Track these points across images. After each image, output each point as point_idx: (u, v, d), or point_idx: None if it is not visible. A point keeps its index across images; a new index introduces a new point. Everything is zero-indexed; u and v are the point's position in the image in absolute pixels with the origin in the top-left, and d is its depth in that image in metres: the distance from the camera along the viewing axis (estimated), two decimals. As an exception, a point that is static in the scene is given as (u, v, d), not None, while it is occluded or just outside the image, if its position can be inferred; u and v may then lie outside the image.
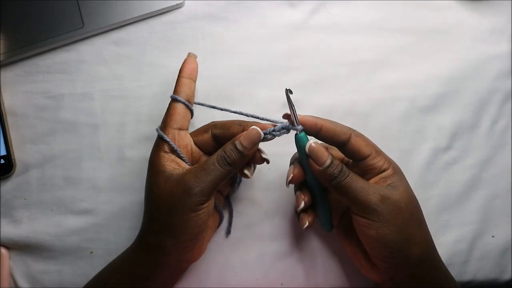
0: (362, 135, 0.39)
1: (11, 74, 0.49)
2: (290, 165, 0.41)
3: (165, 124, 0.40)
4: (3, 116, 0.48)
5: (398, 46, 0.50)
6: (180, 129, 0.40)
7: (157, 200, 0.37)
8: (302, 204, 0.40)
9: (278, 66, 0.50)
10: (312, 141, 0.37)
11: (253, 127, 0.37)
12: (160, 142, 0.39)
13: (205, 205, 0.37)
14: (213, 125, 0.41)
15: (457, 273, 0.47)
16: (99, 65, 0.50)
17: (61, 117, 0.49)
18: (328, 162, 0.36)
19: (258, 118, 0.40)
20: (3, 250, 0.47)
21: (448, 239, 0.48)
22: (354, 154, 0.39)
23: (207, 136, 0.41)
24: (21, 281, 0.47)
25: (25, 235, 0.47)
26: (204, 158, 0.42)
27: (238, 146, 0.37)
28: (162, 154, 0.39)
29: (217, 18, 0.50)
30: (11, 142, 0.48)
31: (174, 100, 0.40)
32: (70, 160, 0.48)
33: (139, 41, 0.50)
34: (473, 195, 0.49)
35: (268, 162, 0.41)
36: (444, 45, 0.51)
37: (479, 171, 0.49)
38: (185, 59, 0.42)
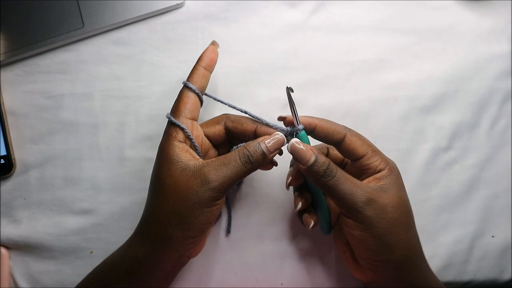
0: (359, 134, 0.39)
1: (11, 74, 0.49)
2: (290, 167, 0.41)
3: (178, 112, 0.38)
4: (3, 116, 0.48)
5: (398, 46, 0.50)
6: (192, 119, 0.39)
7: (169, 191, 0.36)
8: (300, 205, 0.40)
9: (278, 66, 0.50)
10: (294, 140, 0.37)
11: (276, 132, 0.38)
12: (172, 130, 0.38)
13: (220, 201, 0.36)
14: (226, 117, 0.41)
15: (457, 273, 0.48)
16: (99, 65, 0.50)
17: (61, 117, 0.49)
18: (311, 160, 0.36)
19: (262, 121, 0.39)
20: (3, 250, 0.47)
21: (448, 239, 0.48)
22: (350, 153, 0.39)
23: (219, 128, 0.41)
24: (21, 281, 0.47)
25: (25, 235, 0.47)
26: (212, 150, 0.42)
27: (263, 148, 0.36)
28: (176, 143, 0.37)
29: (217, 18, 0.50)
30: (11, 142, 0.48)
31: (186, 87, 0.39)
32: (70, 160, 0.48)
33: (139, 41, 0.50)
34: (473, 195, 0.49)
35: (276, 165, 0.41)
36: (444, 45, 0.51)
37: (479, 171, 0.49)
38: (207, 48, 0.41)
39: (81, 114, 0.49)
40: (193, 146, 0.38)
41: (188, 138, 0.38)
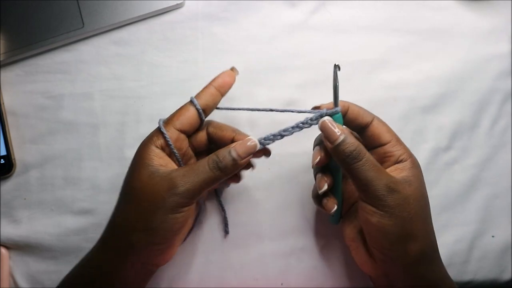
0: (384, 122, 0.40)
1: (11, 74, 0.49)
2: (315, 146, 0.40)
3: (169, 120, 0.38)
4: (3, 116, 0.48)
5: (398, 46, 0.50)
6: (182, 131, 0.38)
7: (136, 194, 0.36)
8: (325, 187, 0.39)
9: (278, 66, 0.50)
10: (326, 118, 0.37)
11: (250, 137, 0.38)
12: (155, 135, 0.38)
13: (186, 208, 0.35)
14: (208, 123, 0.41)
15: (457, 273, 0.47)
16: (99, 65, 0.49)
17: (61, 117, 0.49)
18: (339, 139, 0.35)
19: (293, 111, 0.39)
20: (3, 250, 0.47)
21: (448, 239, 0.48)
22: (375, 139, 0.39)
23: (202, 134, 0.41)
24: (21, 281, 0.47)
25: (25, 235, 0.47)
26: (193, 161, 0.42)
27: (233, 153, 0.36)
28: (153, 147, 0.37)
29: (217, 18, 0.50)
30: (11, 142, 0.48)
31: (191, 102, 0.39)
32: (70, 160, 0.48)
33: (139, 41, 0.50)
34: (473, 195, 0.49)
35: (239, 180, 0.42)
36: (444, 45, 0.51)
37: (479, 171, 0.49)
38: (224, 71, 0.40)
39: (81, 114, 0.49)
40: (174, 155, 0.38)
41: (167, 146, 0.37)
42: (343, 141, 0.35)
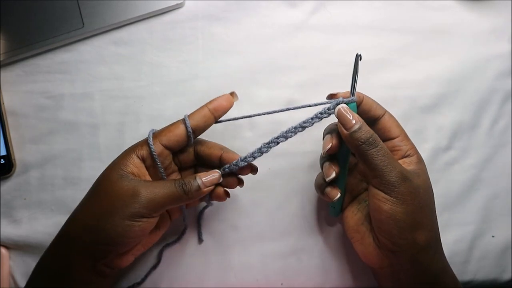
0: (395, 118, 0.41)
1: (11, 74, 0.49)
2: (326, 135, 0.40)
3: (158, 135, 0.39)
4: (3, 116, 0.48)
5: (398, 46, 0.50)
6: (166, 147, 0.39)
7: (100, 193, 0.37)
8: (333, 174, 0.39)
9: (278, 66, 0.50)
10: (343, 105, 0.37)
11: (215, 170, 0.39)
12: (140, 144, 0.39)
13: (145, 220, 0.36)
14: (196, 141, 0.41)
15: (457, 273, 0.47)
16: (99, 65, 0.49)
17: (61, 117, 0.49)
18: (356, 127, 0.36)
19: (308, 106, 0.40)
20: (3, 250, 0.47)
21: (448, 239, 0.48)
22: (385, 132, 0.40)
23: (190, 151, 0.41)
24: (21, 281, 0.47)
25: (25, 235, 0.47)
26: (175, 175, 0.42)
27: (198, 181, 0.38)
28: (133, 156, 0.38)
29: (217, 18, 0.50)
30: (11, 142, 0.48)
31: (183, 120, 0.39)
32: (70, 160, 0.48)
33: (139, 41, 0.50)
34: (473, 195, 0.49)
35: (242, 185, 0.42)
36: (444, 45, 0.51)
37: (479, 171, 0.49)
38: (223, 94, 0.40)
39: (81, 114, 0.49)
40: (156, 168, 0.38)
41: (150, 158, 0.38)
42: (359, 128, 0.36)
